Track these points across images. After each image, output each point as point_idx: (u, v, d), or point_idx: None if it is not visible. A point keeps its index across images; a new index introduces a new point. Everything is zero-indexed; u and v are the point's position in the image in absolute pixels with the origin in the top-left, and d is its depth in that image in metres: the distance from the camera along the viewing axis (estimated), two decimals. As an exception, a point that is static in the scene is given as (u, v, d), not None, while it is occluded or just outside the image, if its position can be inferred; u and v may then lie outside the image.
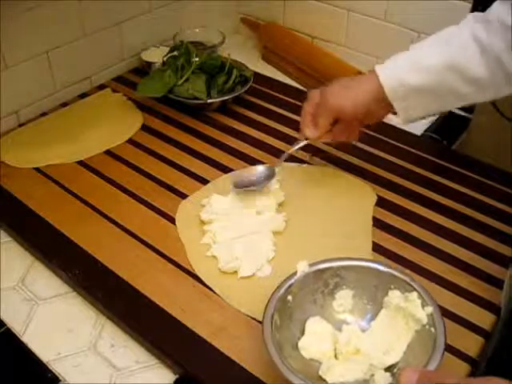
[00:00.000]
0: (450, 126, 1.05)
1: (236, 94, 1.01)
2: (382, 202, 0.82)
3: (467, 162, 0.91)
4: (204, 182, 0.86)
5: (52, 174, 0.87)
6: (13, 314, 0.68)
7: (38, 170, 0.88)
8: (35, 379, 0.63)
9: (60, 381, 0.62)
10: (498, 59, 0.66)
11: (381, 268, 0.62)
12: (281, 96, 1.08)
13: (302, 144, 0.82)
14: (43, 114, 1.02)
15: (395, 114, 0.75)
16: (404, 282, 0.60)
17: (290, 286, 0.62)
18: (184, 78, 0.99)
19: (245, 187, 0.80)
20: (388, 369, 0.57)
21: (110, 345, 0.65)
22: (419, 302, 0.58)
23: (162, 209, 0.81)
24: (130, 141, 0.95)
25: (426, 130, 1.02)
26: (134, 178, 0.86)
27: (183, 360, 0.62)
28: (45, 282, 0.73)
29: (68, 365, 0.63)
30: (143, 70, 1.13)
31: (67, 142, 0.94)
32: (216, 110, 1.02)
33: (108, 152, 0.92)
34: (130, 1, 1.08)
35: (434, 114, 0.73)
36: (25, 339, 0.66)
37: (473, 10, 0.97)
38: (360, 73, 1.07)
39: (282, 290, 0.61)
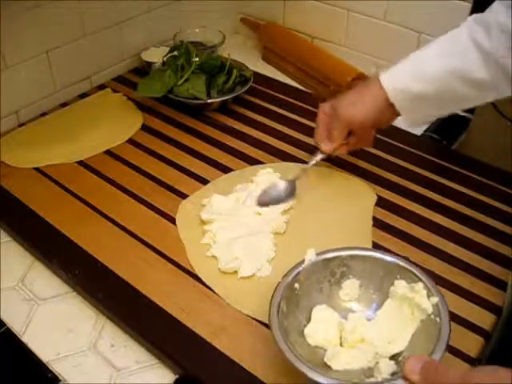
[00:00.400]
0: (450, 126, 1.05)
1: (236, 94, 1.02)
2: (382, 202, 0.82)
3: (467, 162, 0.91)
4: (204, 181, 0.86)
5: (52, 174, 0.87)
6: (13, 314, 0.68)
7: (38, 169, 0.88)
8: (35, 379, 0.63)
9: (60, 381, 0.62)
10: (500, 63, 0.66)
11: (387, 258, 0.63)
12: (281, 96, 1.08)
13: (318, 158, 0.82)
14: (43, 114, 1.02)
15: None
16: (410, 272, 0.61)
17: (297, 274, 0.62)
18: (184, 78, 0.99)
19: (270, 204, 0.79)
20: (393, 357, 0.57)
21: (109, 345, 0.65)
22: (425, 292, 0.58)
23: (162, 209, 0.81)
24: (130, 141, 0.95)
25: (426, 130, 1.02)
26: (133, 178, 0.86)
27: (183, 360, 0.62)
28: (45, 281, 0.73)
29: (68, 365, 0.63)
30: (143, 69, 1.13)
31: (67, 142, 0.94)
32: (216, 109, 1.02)
33: (108, 152, 0.92)
34: (130, 1, 1.08)
35: (438, 117, 0.77)
36: (25, 339, 0.66)
37: (473, 10, 0.97)
38: (360, 74, 1.07)
39: (290, 278, 0.62)
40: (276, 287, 0.61)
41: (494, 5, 0.68)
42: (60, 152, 0.91)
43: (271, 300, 0.59)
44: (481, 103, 0.74)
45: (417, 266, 0.62)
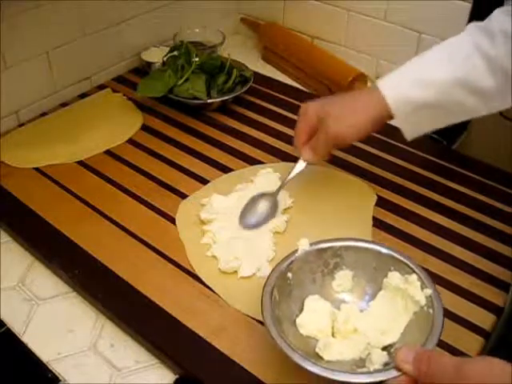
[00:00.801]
0: (450, 126, 1.05)
1: (236, 94, 1.02)
2: (381, 202, 0.82)
3: (467, 162, 0.91)
4: (204, 181, 0.86)
5: (52, 174, 0.87)
6: (13, 314, 0.68)
7: (38, 170, 0.88)
8: (35, 379, 0.63)
9: (60, 381, 0.62)
10: (504, 69, 0.65)
11: (381, 249, 0.63)
12: (281, 96, 1.08)
13: (300, 169, 0.77)
14: (43, 114, 1.01)
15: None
16: (404, 264, 0.61)
17: (290, 264, 0.62)
18: (184, 78, 0.99)
19: (254, 227, 0.77)
20: (385, 348, 0.57)
21: (109, 345, 0.65)
22: (418, 284, 0.58)
23: (162, 209, 0.81)
24: (130, 141, 0.95)
25: (426, 130, 1.02)
26: (133, 178, 0.86)
27: (183, 360, 0.62)
28: (45, 281, 0.73)
29: (68, 365, 0.63)
30: (143, 70, 1.13)
31: (67, 142, 0.94)
32: (216, 109, 1.02)
33: (108, 152, 0.92)
34: (130, 1, 1.08)
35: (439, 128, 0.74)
36: (25, 339, 0.66)
37: (473, 10, 0.97)
38: (360, 74, 1.07)
39: (283, 267, 0.62)
40: (269, 276, 0.61)
41: (495, 13, 0.67)
42: (60, 152, 0.92)
43: (264, 288, 0.59)
44: (483, 114, 0.70)
45: (410, 258, 0.62)
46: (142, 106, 1.04)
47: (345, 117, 0.71)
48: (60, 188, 0.84)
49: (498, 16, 0.67)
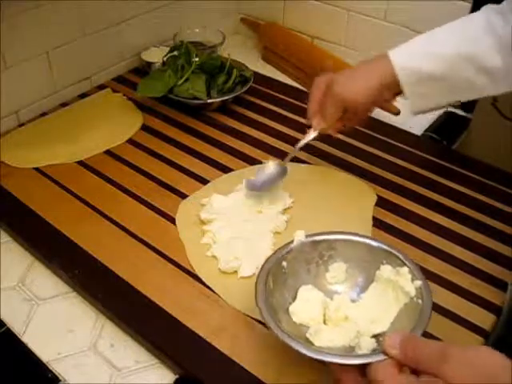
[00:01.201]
0: (450, 126, 1.05)
1: (236, 94, 1.02)
2: (381, 202, 0.82)
3: (467, 162, 0.91)
4: (204, 181, 0.86)
5: (52, 174, 0.87)
6: (13, 314, 0.68)
7: (37, 170, 0.88)
8: (35, 379, 0.63)
9: (60, 381, 0.62)
10: None
11: (374, 244, 0.64)
12: (281, 96, 1.08)
13: (312, 137, 0.79)
14: (43, 114, 1.01)
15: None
16: (396, 257, 0.61)
17: (286, 253, 0.63)
18: (184, 78, 0.99)
19: (259, 189, 0.79)
20: (374, 337, 0.58)
21: (109, 345, 0.65)
22: (409, 276, 0.59)
23: (162, 209, 0.81)
24: (130, 141, 0.95)
25: (426, 130, 1.02)
26: (134, 178, 0.86)
27: (183, 360, 0.62)
28: (45, 281, 0.73)
29: (68, 365, 0.63)
30: (143, 70, 1.13)
31: (67, 142, 0.94)
32: (216, 109, 1.03)
33: (108, 152, 0.92)
34: (130, 1, 1.08)
35: (444, 107, 0.73)
36: (25, 339, 0.66)
37: (473, 9, 0.97)
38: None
39: (278, 256, 0.63)
40: (264, 263, 0.62)
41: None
42: (60, 152, 0.92)
43: (258, 274, 0.60)
44: (490, 94, 0.71)
45: (402, 252, 0.62)
46: (142, 106, 1.04)
47: (351, 81, 0.72)
48: (60, 188, 0.84)
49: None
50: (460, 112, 1.07)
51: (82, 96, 1.07)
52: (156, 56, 1.11)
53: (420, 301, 0.56)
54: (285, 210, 0.80)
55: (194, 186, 0.85)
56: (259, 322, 0.65)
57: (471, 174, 0.88)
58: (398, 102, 0.83)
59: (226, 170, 0.88)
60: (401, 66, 0.70)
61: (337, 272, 0.64)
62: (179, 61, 1.01)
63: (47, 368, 0.63)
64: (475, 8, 0.97)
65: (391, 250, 0.62)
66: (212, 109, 1.02)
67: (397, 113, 0.89)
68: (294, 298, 0.62)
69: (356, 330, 0.58)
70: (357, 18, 1.14)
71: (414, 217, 0.80)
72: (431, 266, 0.72)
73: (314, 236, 0.65)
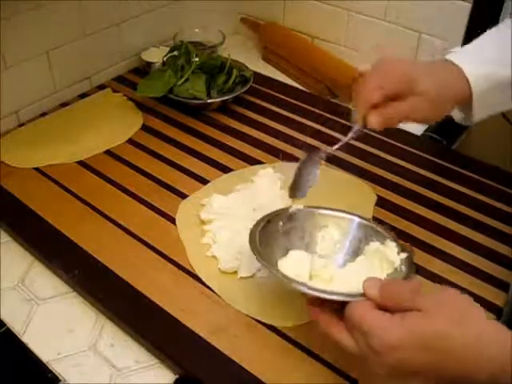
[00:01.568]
0: (449, 126, 1.05)
1: (236, 94, 1.02)
2: (381, 202, 0.82)
3: (467, 161, 0.91)
4: (204, 181, 0.86)
5: (52, 174, 0.87)
6: (13, 314, 0.68)
7: (38, 170, 0.88)
8: (35, 379, 0.63)
9: (60, 381, 0.62)
10: None
11: (368, 224, 0.66)
12: (281, 96, 1.08)
13: (350, 136, 0.67)
14: (43, 114, 1.01)
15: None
16: (386, 237, 0.63)
17: (284, 215, 0.66)
18: (184, 78, 0.99)
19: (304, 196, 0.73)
20: None
21: (109, 345, 0.65)
22: (396, 249, 0.60)
23: (162, 209, 0.81)
24: (130, 141, 0.95)
25: (426, 130, 1.02)
26: (134, 178, 0.86)
27: (183, 360, 0.62)
28: (45, 281, 0.73)
29: (68, 365, 0.63)
30: (143, 70, 1.13)
31: (67, 142, 0.94)
32: (216, 109, 1.02)
33: (108, 152, 0.92)
34: (130, 1, 1.08)
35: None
36: (25, 339, 0.66)
37: (473, 10, 0.97)
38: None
39: (276, 215, 0.66)
40: (259, 220, 0.65)
41: None
42: (60, 152, 0.91)
43: (257, 222, 0.64)
44: None
45: (394, 234, 0.63)
46: (141, 106, 1.04)
47: (439, 100, 0.64)
48: (60, 188, 0.84)
49: None
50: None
51: (82, 96, 1.07)
52: (156, 56, 1.11)
53: (403, 267, 0.58)
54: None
55: (194, 186, 0.85)
56: (259, 322, 0.65)
57: (471, 174, 0.88)
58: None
59: (226, 170, 0.88)
60: (474, 75, 0.64)
61: (328, 245, 0.66)
62: (179, 61, 1.01)
63: (47, 368, 0.63)
64: (475, 8, 0.97)
65: (383, 231, 0.64)
66: (212, 109, 1.02)
67: None
68: (284, 257, 0.64)
69: (339, 288, 0.59)
70: (357, 18, 1.14)
71: (414, 217, 0.80)
72: (431, 265, 0.72)
73: (313, 208, 0.68)
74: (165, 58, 1.05)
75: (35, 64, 0.97)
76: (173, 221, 0.79)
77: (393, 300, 0.47)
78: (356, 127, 0.66)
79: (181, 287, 0.69)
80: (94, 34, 1.05)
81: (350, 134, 0.67)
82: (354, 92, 0.66)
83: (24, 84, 0.97)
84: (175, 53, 1.04)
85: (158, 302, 0.67)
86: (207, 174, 0.88)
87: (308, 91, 1.13)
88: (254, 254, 0.59)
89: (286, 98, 1.07)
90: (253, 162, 0.90)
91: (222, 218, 0.77)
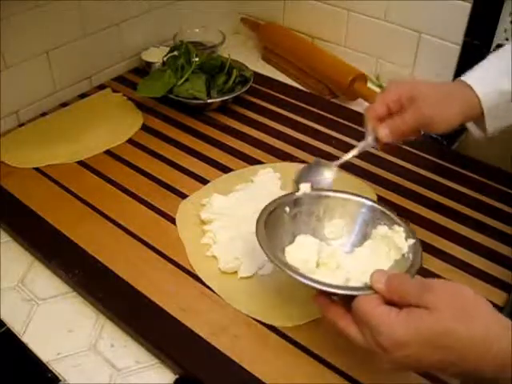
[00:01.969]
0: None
1: (236, 94, 1.01)
2: (381, 202, 0.82)
3: (467, 161, 0.91)
4: (204, 181, 0.86)
5: (52, 174, 0.87)
6: (13, 314, 0.68)
7: (38, 169, 0.88)
8: (35, 379, 0.63)
9: (60, 381, 0.62)
10: None
11: (376, 206, 0.66)
12: (281, 96, 1.08)
13: (364, 147, 0.72)
14: (43, 114, 1.01)
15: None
16: (394, 222, 0.63)
17: (290, 200, 0.66)
18: (184, 78, 0.99)
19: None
20: None
21: (109, 345, 0.65)
22: (404, 234, 0.60)
23: (162, 209, 0.81)
24: (130, 141, 0.95)
25: (426, 130, 1.02)
26: (134, 178, 0.86)
27: (183, 360, 0.62)
28: (45, 282, 0.73)
29: (68, 365, 0.63)
30: (143, 70, 1.13)
31: (67, 142, 0.94)
32: (216, 109, 1.02)
33: (108, 152, 0.92)
34: (130, 1, 1.08)
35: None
36: (25, 339, 0.66)
37: (473, 10, 0.97)
38: (360, 74, 1.07)
39: (282, 200, 0.65)
40: (267, 205, 0.64)
41: None
42: (60, 152, 0.91)
43: (260, 213, 0.63)
44: None
45: (402, 219, 0.63)
46: (141, 106, 1.04)
47: (442, 107, 0.67)
48: (60, 188, 0.84)
49: None
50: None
51: (82, 96, 1.07)
52: (156, 56, 1.11)
53: (411, 255, 0.58)
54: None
55: (194, 186, 0.85)
56: (259, 322, 0.65)
57: (471, 174, 0.88)
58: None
59: (226, 170, 0.88)
60: (483, 93, 0.67)
61: (335, 228, 0.66)
62: (179, 61, 1.01)
63: (47, 368, 0.63)
64: (475, 8, 0.97)
65: (391, 214, 0.64)
66: (212, 109, 1.02)
67: None
68: (291, 243, 0.63)
69: (346, 277, 0.59)
70: (357, 18, 1.14)
71: (414, 217, 0.80)
72: (431, 265, 0.72)
73: (319, 191, 0.67)
74: (165, 58, 1.05)
75: (35, 64, 0.97)
76: (173, 221, 0.79)
77: (399, 296, 0.48)
78: (368, 139, 0.71)
79: (181, 287, 0.69)
80: (94, 34, 1.05)
81: (362, 144, 0.72)
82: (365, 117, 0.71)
83: (24, 84, 0.97)
84: (175, 53, 1.04)
85: (157, 302, 0.67)
86: (207, 174, 0.88)
87: (308, 91, 1.13)
88: (262, 247, 0.59)
89: (286, 98, 1.07)
90: (253, 162, 0.90)
91: (222, 218, 0.77)
